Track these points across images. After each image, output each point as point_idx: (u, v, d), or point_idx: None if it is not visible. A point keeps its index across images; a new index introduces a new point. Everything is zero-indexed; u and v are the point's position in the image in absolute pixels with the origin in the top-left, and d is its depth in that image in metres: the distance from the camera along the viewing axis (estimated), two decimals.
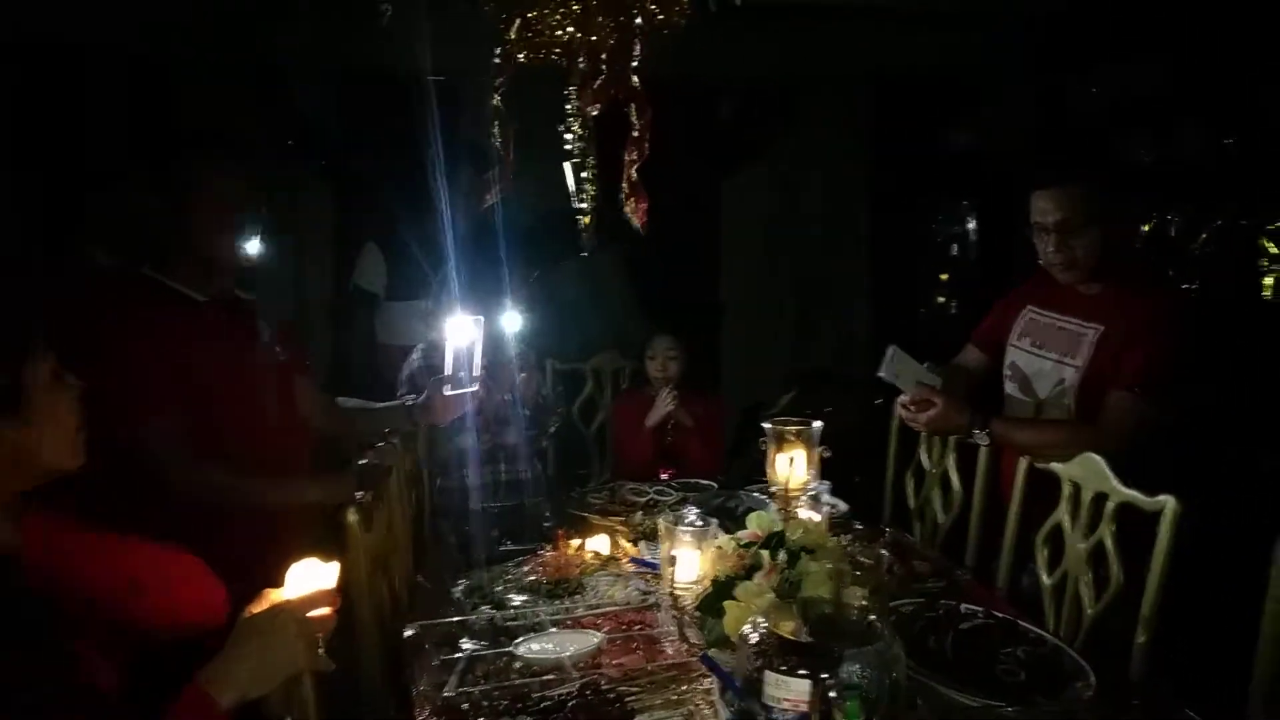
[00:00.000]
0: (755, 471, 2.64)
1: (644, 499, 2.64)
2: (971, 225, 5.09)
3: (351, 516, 1.70)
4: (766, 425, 1.85)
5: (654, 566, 2.06)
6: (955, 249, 5.14)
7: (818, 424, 1.82)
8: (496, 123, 1.89)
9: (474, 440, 2.70)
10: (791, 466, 1.71)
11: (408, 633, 1.81)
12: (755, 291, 5.08)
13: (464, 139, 3.85)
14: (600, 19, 1.63)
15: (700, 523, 1.77)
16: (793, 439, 1.77)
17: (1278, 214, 3.20)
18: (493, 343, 2.82)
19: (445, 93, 4.24)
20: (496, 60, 1.80)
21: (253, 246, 2.07)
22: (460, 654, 1.73)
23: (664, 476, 2.90)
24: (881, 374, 2.25)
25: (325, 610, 1.16)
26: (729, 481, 2.69)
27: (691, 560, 1.78)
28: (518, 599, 1.99)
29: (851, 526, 2.36)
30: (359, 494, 1.81)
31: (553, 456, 3.16)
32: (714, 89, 4.73)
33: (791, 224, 5.03)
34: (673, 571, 1.79)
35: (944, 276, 5.21)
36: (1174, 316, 2.12)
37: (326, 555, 1.29)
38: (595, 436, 3.44)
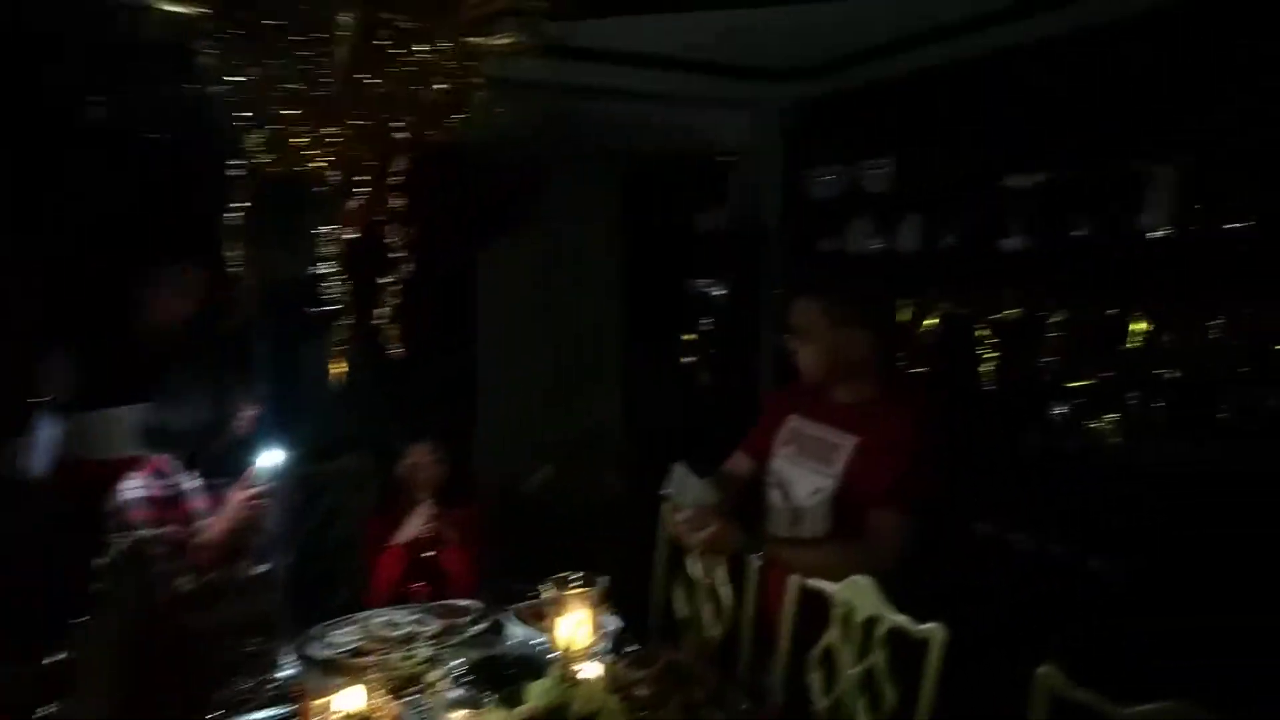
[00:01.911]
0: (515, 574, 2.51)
1: (400, 631, 2.40)
2: (720, 298, 5.23)
3: None
4: (545, 588, 1.72)
5: None
6: (706, 322, 5.26)
7: (603, 581, 1.71)
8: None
9: (195, 579, 2.37)
10: (575, 630, 1.58)
11: None
12: (513, 366, 4.96)
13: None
14: (357, 144, 1.47)
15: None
16: (576, 602, 1.65)
17: (992, 306, 3.48)
18: (223, 462, 2.51)
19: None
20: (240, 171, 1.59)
21: None
22: None
23: (416, 591, 2.68)
24: (668, 492, 2.20)
25: None
26: (491, 596, 2.52)
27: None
28: None
29: (624, 648, 2.26)
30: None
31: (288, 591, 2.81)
32: (467, 161, 4.59)
33: (547, 298, 4.96)
34: None
35: (689, 336, 5.31)
36: (927, 429, 2.20)
37: None
38: (340, 555, 3.12)
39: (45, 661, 2.11)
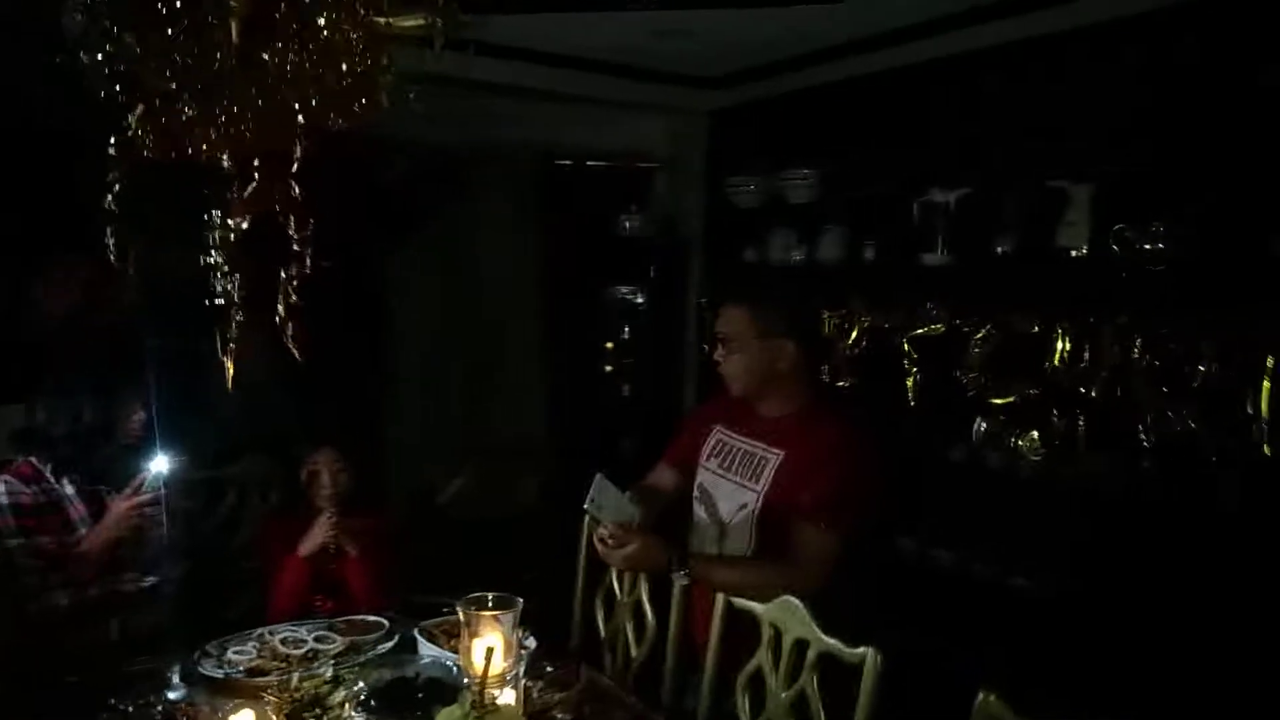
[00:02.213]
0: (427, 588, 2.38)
1: (302, 650, 2.24)
2: (641, 305, 5.14)
3: None
4: (459, 606, 1.59)
5: None
6: (626, 330, 5.16)
7: (519, 602, 1.60)
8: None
9: (73, 593, 2.17)
10: (489, 656, 1.46)
11: None
12: (425, 371, 4.80)
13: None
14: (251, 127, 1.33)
15: None
16: (491, 624, 1.53)
17: (914, 321, 3.47)
18: (105, 469, 2.32)
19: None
20: (111, 152, 1.43)
21: None
22: None
23: (319, 606, 2.53)
24: (586, 506, 2.09)
25: None
26: (401, 612, 2.37)
27: None
28: None
29: (542, 670, 2.15)
30: None
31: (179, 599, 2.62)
32: (377, 152, 4.42)
33: (461, 301, 4.82)
34: None
35: (609, 345, 5.21)
36: (854, 445, 2.15)
37: None
38: (235, 564, 2.93)
39: None
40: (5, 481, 2.24)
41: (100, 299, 2.85)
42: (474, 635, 1.51)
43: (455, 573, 2.13)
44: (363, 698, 1.86)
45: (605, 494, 2.11)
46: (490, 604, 1.60)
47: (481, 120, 4.24)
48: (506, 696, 1.55)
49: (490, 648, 1.45)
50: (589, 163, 4.92)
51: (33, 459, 2.29)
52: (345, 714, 1.83)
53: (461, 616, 1.58)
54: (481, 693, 1.46)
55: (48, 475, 2.29)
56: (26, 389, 2.35)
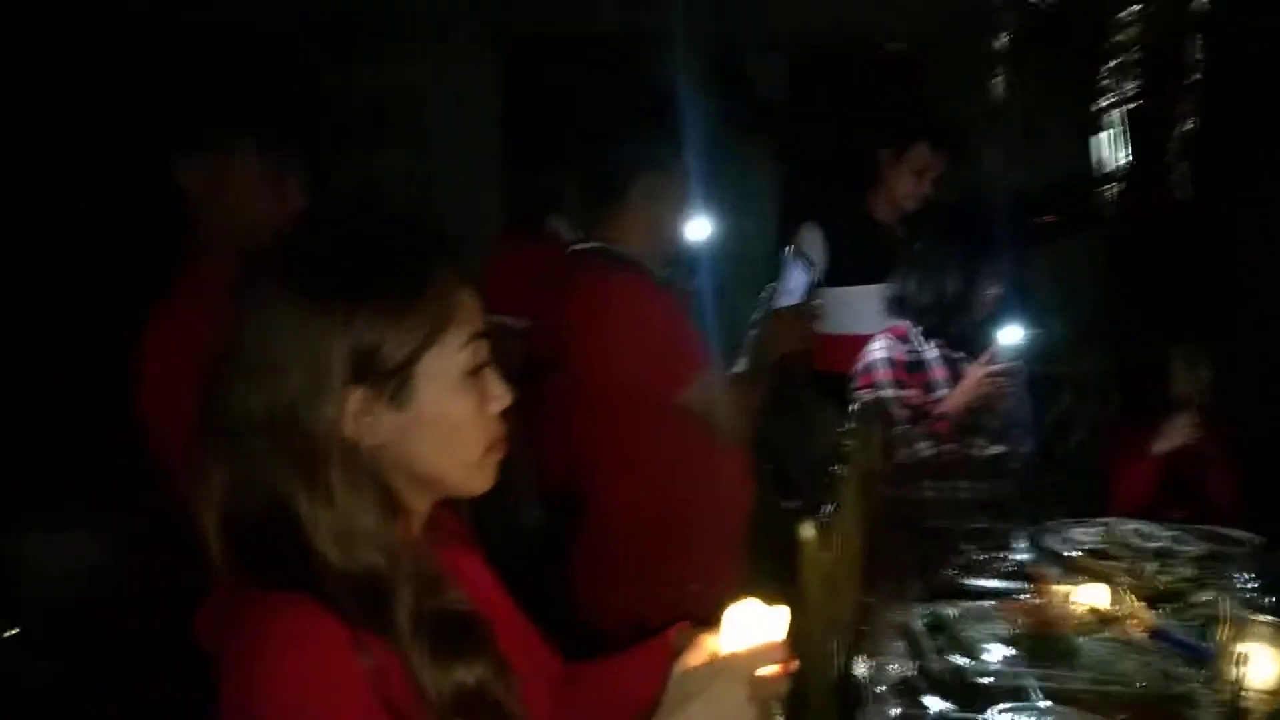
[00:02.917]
0: None
1: (1154, 544, 2.08)
2: None
3: (808, 532, 1.42)
4: None
5: (1190, 649, 1.55)
6: None
7: None
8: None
9: (932, 447, 2.33)
10: None
11: (859, 670, 1.53)
12: None
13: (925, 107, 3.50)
14: None
15: None
16: None
17: None
18: (964, 338, 2.43)
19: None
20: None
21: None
22: (924, 712, 1.43)
23: (1169, 513, 2.31)
24: None
25: (774, 667, 0.88)
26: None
27: (1269, 661, 1.28)
28: (994, 652, 1.62)
29: None
30: (824, 507, 1.54)
31: (1022, 479, 2.66)
32: None
33: None
34: (1236, 670, 1.30)
35: None
36: None
37: (769, 588, 1.03)
38: (1074, 460, 2.86)
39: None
40: (885, 337, 2.51)
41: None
42: None
43: None
44: (1244, 597, 1.64)
45: None
46: None
47: None
48: None
49: None
50: None
51: (906, 321, 2.52)
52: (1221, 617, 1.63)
53: None
54: None
55: (916, 338, 2.50)
56: (894, 266, 2.58)
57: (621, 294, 1.89)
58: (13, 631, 1.77)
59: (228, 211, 1.61)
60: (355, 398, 0.88)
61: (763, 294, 2.12)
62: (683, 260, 2.10)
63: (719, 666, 0.85)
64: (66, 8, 3.04)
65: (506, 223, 3.80)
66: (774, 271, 3.62)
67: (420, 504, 0.97)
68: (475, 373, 0.94)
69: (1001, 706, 1.42)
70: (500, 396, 0.97)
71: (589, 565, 1.97)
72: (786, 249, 2.21)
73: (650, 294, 1.94)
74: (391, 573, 0.87)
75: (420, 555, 0.93)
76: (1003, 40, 1.65)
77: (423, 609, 0.88)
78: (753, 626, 0.87)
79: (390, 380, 0.89)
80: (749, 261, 3.76)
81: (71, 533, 2.11)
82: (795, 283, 2.03)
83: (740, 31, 3.98)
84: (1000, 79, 2.31)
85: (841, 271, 3.07)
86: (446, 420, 0.92)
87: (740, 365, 2.03)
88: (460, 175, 3.89)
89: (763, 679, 0.86)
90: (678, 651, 0.92)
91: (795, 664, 0.89)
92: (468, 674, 0.87)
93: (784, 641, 0.87)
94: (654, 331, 1.89)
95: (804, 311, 2.04)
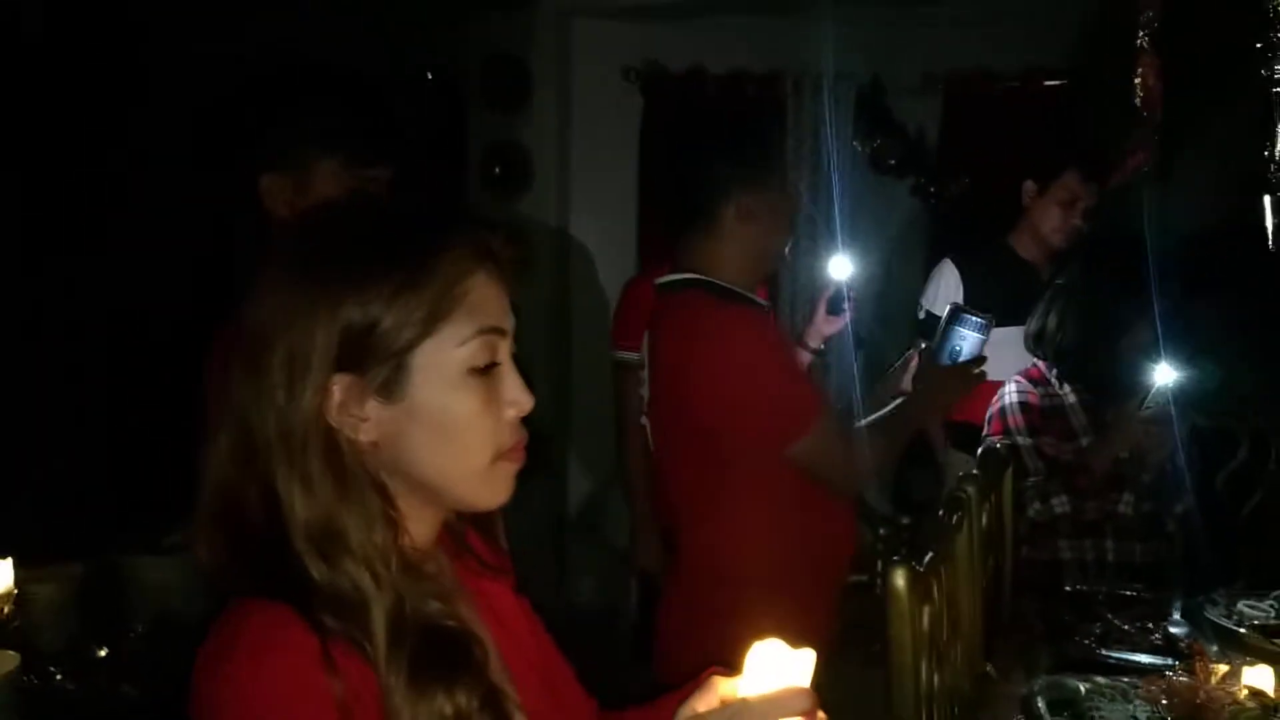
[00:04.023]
0: None
1: None
2: None
3: (900, 579, 1.27)
4: None
5: None
6: None
7: None
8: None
9: (1071, 505, 2.10)
10: None
11: None
12: None
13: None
14: None
15: None
16: None
17: None
18: (1108, 383, 2.20)
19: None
20: None
21: None
22: None
23: None
24: None
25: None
26: None
27: None
28: None
29: None
30: (921, 556, 1.38)
31: (1179, 541, 2.37)
32: None
33: None
34: None
35: None
36: None
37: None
38: (1247, 525, 2.53)
39: None
40: (1018, 380, 2.29)
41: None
42: None
43: None
44: None
45: None
46: None
47: None
48: None
49: None
50: None
51: (1040, 363, 2.31)
52: None
53: None
54: None
55: (1052, 379, 2.27)
56: (1030, 304, 2.38)
57: (718, 328, 1.77)
58: (102, 652, 1.78)
59: None
60: (341, 385, 0.82)
61: (910, 350, 1.99)
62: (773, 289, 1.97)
63: (729, 713, 0.72)
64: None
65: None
66: (911, 311, 3.51)
67: (424, 514, 0.89)
68: (484, 371, 0.85)
69: None
70: (516, 401, 0.87)
71: (674, 613, 1.85)
72: (954, 304, 2.04)
73: (752, 329, 1.80)
74: (374, 582, 0.80)
75: (421, 571, 0.86)
76: (1155, 72, 1.49)
77: (405, 624, 0.80)
78: (775, 670, 0.74)
79: (381, 369, 0.82)
80: (889, 302, 3.61)
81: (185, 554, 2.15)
82: (967, 341, 1.88)
83: (888, 70, 3.90)
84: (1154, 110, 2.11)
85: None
86: (444, 420, 0.84)
87: (879, 418, 1.86)
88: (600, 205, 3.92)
89: None
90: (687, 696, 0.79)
91: (823, 718, 0.75)
92: (446, 703, 0.78)
93: (809, 690, 0.73)
94: (755, 371, 1.75)
95: (974, 372, 1.88)
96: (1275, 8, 1.20)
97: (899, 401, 1.87)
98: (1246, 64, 1.31)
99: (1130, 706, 1.50)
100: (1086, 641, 1.76)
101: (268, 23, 3.24)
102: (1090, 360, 2.21)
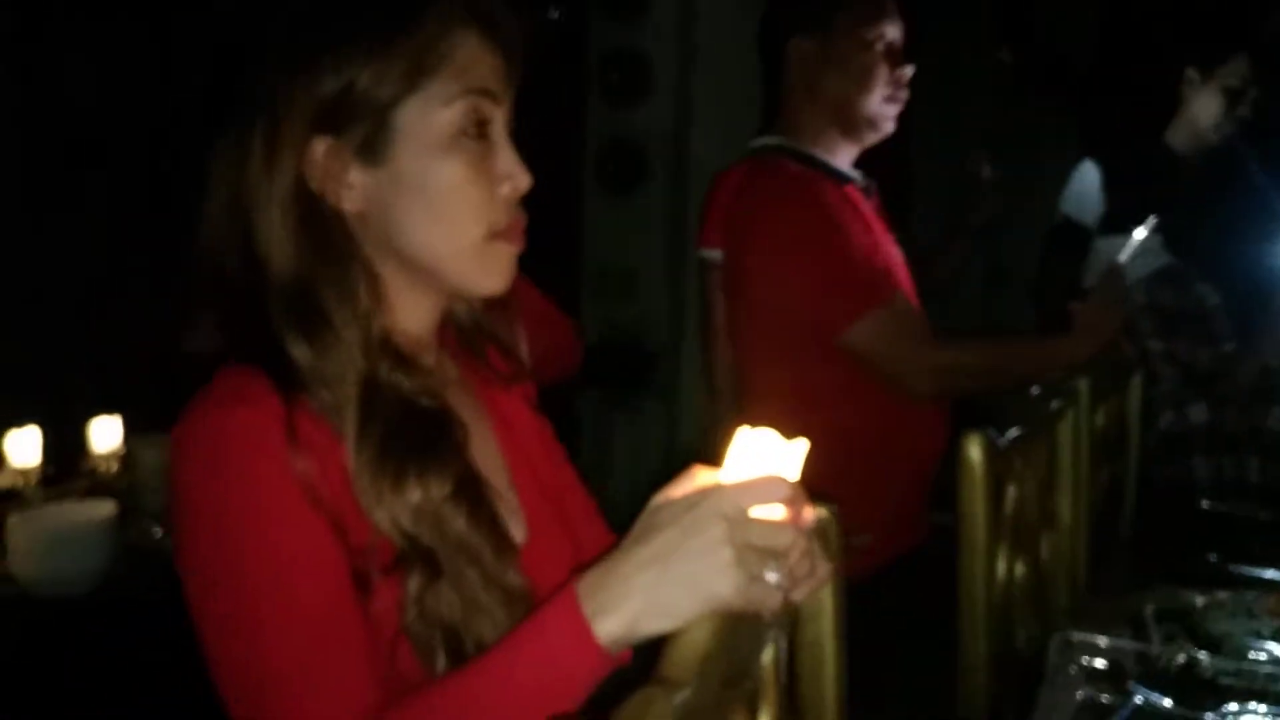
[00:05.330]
0: None
1: None
2: None
3: (975, 450, 1.15)
4: None
5: None
6: None
7: None
8: None
9: (1209, 416, 1.89)
10: None
11: (1055, 643, 1.23)
12: None
13: None
14: None
15: None
16: None
17: None
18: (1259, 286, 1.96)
19: None
20: None
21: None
22: (1127, 701, 1.11)
23: None
24: None
25: (779, 512, 0.64)
26: None
27: None
28: (1244, 648, 1.25)
29: None
30: (1007, 432, 1.25)
31: None
32: None
33: None
34: None
35: None
36: None
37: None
38: None
39: None
40: (1152, 280, 2.06)
41: None
42: None
43: None
44: None
45: None
46: None
47: None
48: None
49: None
50: None
51: (1176, 261, 2.07)
52: None
53: None
54: None
55: (1193, 281, 2.04)
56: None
57: (771, 197, 1.62)
58: None
59: None
60: (321, 147, 0.78)
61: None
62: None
63: (700, 497, 0.64)
64: None
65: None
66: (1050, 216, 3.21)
67: (419, 300, 0.85)
68: (474, 136, 0.80)
69: (1236, 708, 1.08)
70: (511, 175, 0.82)
71: None
72: (1144, 225, 1.83)
73: (810, 196, 1.61)
74: (348, 354, 0.76)
75: (410, 359, 0.81)
76: None
77: (380, 399, 0.76)
78: (759, 458, 0.65)
79: (359, 127, 0.78)
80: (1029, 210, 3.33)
81: None
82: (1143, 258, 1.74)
83: None
84: None
85: (1124, 215, 2.58)
86: (429, 187, 0.80)
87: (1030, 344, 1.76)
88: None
89: (753, 521, 0.63)
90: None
91: (810, 515, 0.66)
92: (416, 486, 0.74)
93: (795, 483, 0.64)
94: (805, 245, 1.59)
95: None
96: None
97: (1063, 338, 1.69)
98: None
99: (1253, 622, 1.34)
100: (1212, 558, 1.59)
101: None
102: (1237, 259, 1.97)
